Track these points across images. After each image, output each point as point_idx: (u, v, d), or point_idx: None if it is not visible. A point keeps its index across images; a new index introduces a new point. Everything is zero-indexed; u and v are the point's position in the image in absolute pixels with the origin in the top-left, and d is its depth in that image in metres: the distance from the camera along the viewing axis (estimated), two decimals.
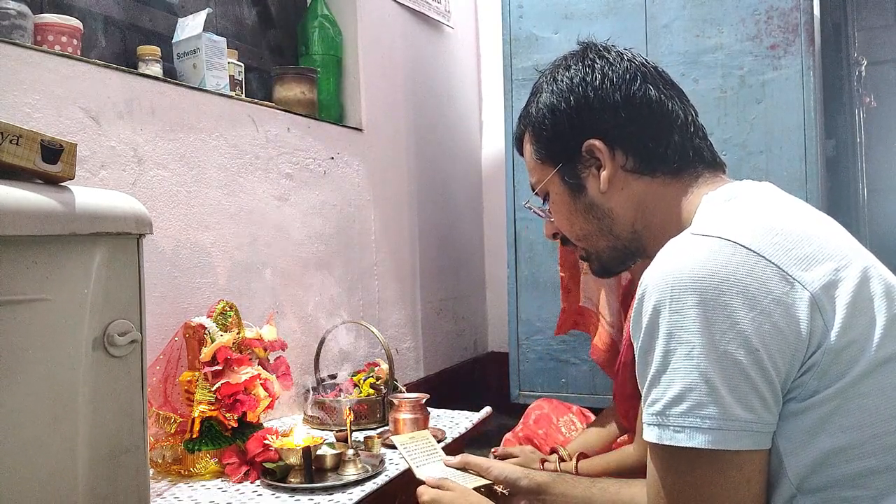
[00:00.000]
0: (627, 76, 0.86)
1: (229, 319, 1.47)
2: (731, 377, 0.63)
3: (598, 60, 0.88)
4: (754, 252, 0.66)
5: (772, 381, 0.64)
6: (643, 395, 0.69)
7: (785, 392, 0.65)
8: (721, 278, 0.64)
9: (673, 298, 0.65)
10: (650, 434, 0.68)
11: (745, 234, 0.68)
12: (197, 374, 1.39)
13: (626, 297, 1.40)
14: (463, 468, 1.10)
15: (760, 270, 0.65)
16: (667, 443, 0.66)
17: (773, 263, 0.65)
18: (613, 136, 0.85)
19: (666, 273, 0.67)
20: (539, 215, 1.01)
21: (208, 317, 1.46)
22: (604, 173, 0.86)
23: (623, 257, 0.92)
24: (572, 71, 0.88)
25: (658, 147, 0.84)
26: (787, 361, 0.64)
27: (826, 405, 0.64)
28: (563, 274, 1.49)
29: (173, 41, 1.70)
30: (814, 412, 0.64)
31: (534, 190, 0.97)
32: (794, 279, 0.65)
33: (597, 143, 0.86)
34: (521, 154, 0.99)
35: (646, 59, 0.90)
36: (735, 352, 0.63)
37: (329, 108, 2.14)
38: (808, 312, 0.64)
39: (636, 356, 0.71)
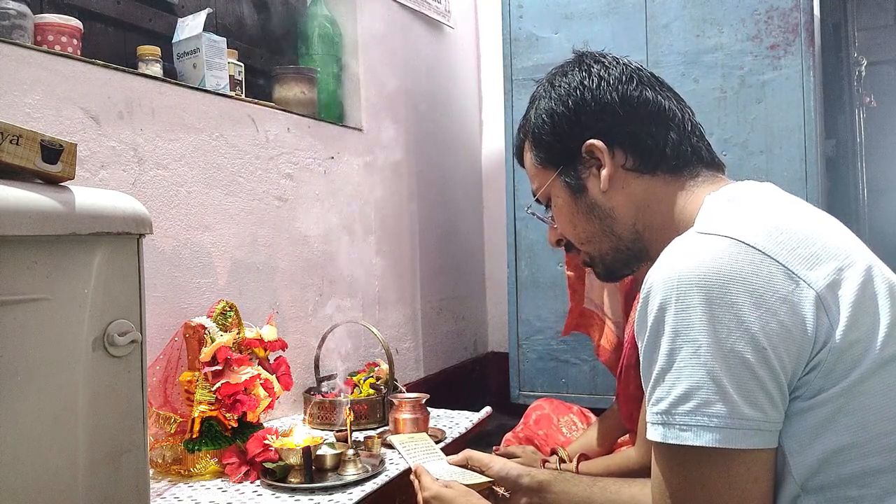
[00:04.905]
0: (623, 77, 0.88)
1: (229, 319, 1.47)
2: (739, 375, 0.63)
3: (594, 65, 0.90)
4: (759, 251, 0.66)
5: (779, 379, 0.64)
6: (647, 393, 0.69)
7: (791, 390, 0.65)
8: (727, 277, 0.65)
9: (679, 297, 0.65)
10: (654, 433, 0.67)
11: (750, 232, 0.68)
12: (197, 374, 1.39)
13: (627, 298, 1.40)
14: (465, 464, 1.10)
15: (766, 269, 0.65)
16: (672, 442, 0.65)
17: (778, 262, 0.66)
18: (612, 135, 0.87)
19: (671, 271, 0.67)
20: (542, 221, 1.02)
21: (208, 317, 1.46)
22: (604, 172, 0.87)
23: (626, 259, 0.93)
24: (569, 76, 0.90)
25: (656, 145, 0.85)
26: (793, 360, 0.64)
27: (831, 404, 0.64)
28: (569, 273, 1.49)
29: (173, 41, 1.70)
30: (819, 411, 0.65)
31: (535, 196, 0.97)
32: (799, 278, 0.65)
33: (596, 142, 0.87)
34: (522, 164, 1.00)
35: (641, 65, 0.92)
36: (742, 350, 0.63)
37: (329, 108, 2.14)
38: (814, 311, 0.64)
39: (640, 355, 0.71)
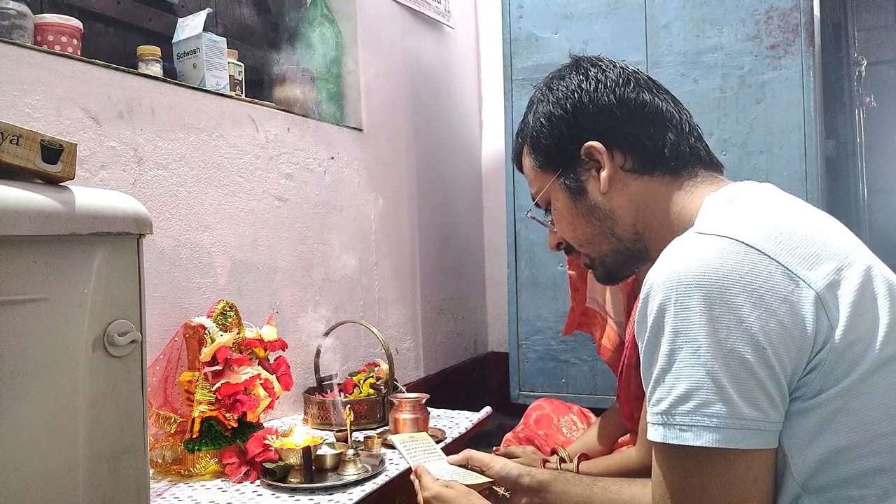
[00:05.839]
0: (620, 80, 0.88)
1: (229, 319, 1.47)
2: (739, 375, 0.63)
3: (591, 69, 0.91)
4: (759, 251, 0.66)
5: (778, 379, 0.64)
6: (647, 394, 0.69)
7: (791, 391, 0.65)
8: (726, 276, 0.65)
9: (678, 297, 0.65)
10: (655, 433, 0.67)
11: (750, 232, 0.68)
12: (197, 374, 1.39)
13: (629, 298, 1.40)
14: (465, 464, 1.10)
15: (766, 269, 0.65)
16: (672, 442, 0.66)
17: (777, 262, 0.66)
18: (610, 137, 0.87)
19: (671, 271, 0.67)
20: (542, 225, 1.02)
21: (208, 317, 1.46)
22: (603, 174, 0.87)
23: (626, 260, 0.93)
24: (567, 80, 0.91)
25: (654, 146, 0.86)
26: (793, 360, 0.64)
27: (831, 404, 0.64)
28: (571, 272, 1.49)
29: (173, 41, 1.70)
30: (819, 411, 0.65)
31: (535, 200, 0.98)
32: (798, 278, 0.65)
33: (595, 144, 0.87)
34: (521, 170, 1.00)
35: (638, 68, 0.92)
36: (742, 350, 0.63)
37: (329, 108, 2.14)
38: (814, 311, 0.64)
39: (640, 355, 0.71)
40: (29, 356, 0.82)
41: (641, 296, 0.70)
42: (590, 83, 0.89)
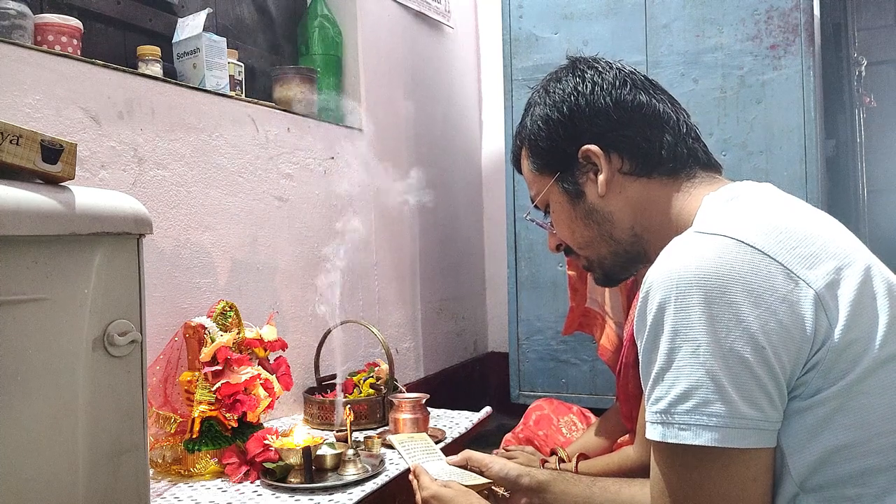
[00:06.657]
0: (617, 82, 0.88)
1: (229, 319, 1.47)
2: (738, 375, 0.63)
3: (587, 71, 0.90)
4: (759, 250, 0.66)
5: (777, 378, 0.64)
6: (646, 393, 0.69)
7: (789, 390, 0.65)
8: (726, 276, 0.65)
9: (678, 296, 0.65)
10: (654, 432, 0.68)
11: (750, 232, 0.68)
12: (197, 374, 1.39)
13: (628, 298, 1.40)
14: (464, 465, 1.11)
15: (765, 268, 0.65)
16: (671, 441, 0.66)
17: (777, 262, 0.66)
18: (608, 140, 0.87)
19: (670, 271, 0.67)
20: (542, 227, 1.02)
21: (208, 317, 1.46)
22: (601, 177, 0.87)
23: (625, 263, 0.93)
24: (563, 83, 0.91)
25: (652, 148, 0.86)
26: (792, 359, 0.64)
27: (829, 403, 0.64)
28: (570, 273, 1.50)
29: (173, 41, 1.70)
30: (817, 410, 0.65)
31: (534, 202, 0.97)
32: (798, 277, 0.65)
33: (592, 147, 0.87)
34: (520, 171, 1.00)
35: (634, 69, 0.92)
36: (741, 349, 0.63)
37: (329, 108, 2.14)
38: (813, 310, 0.64)
39: (640, 354, 0.71)
40: (29, 356, 0.82)
41: (640, 294, 0.70)
42: (586, 86, 0.88)
